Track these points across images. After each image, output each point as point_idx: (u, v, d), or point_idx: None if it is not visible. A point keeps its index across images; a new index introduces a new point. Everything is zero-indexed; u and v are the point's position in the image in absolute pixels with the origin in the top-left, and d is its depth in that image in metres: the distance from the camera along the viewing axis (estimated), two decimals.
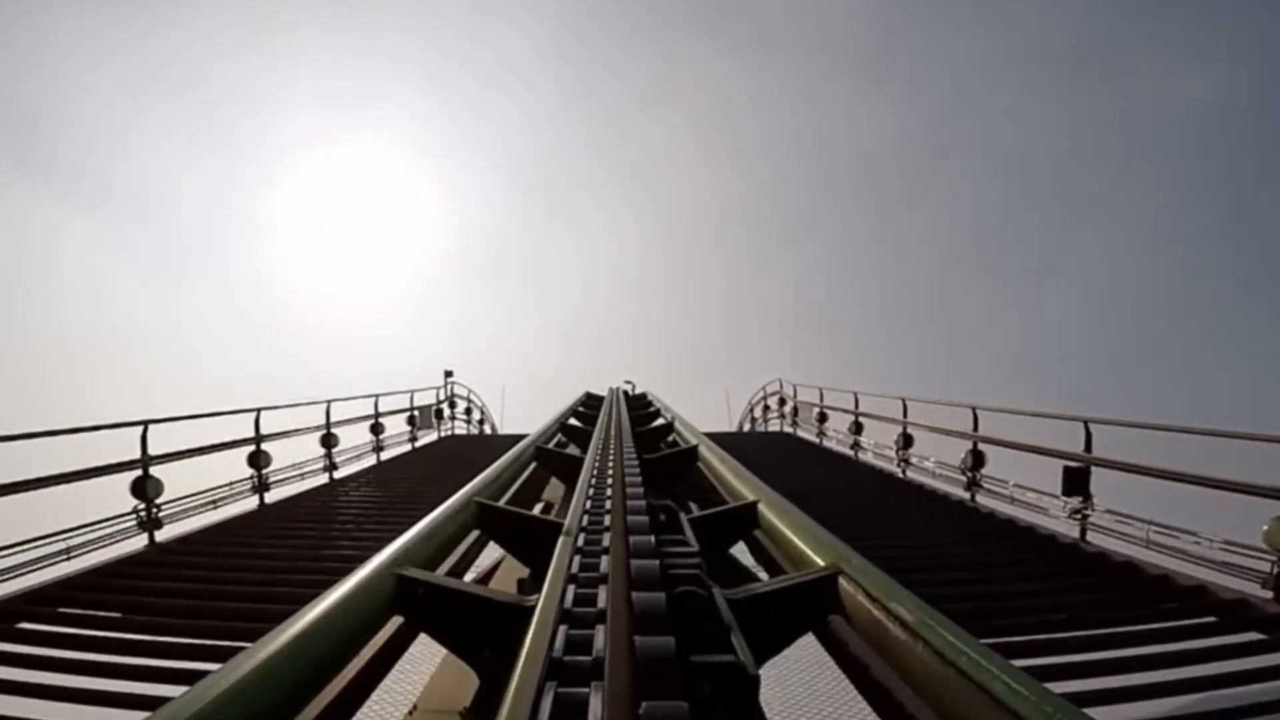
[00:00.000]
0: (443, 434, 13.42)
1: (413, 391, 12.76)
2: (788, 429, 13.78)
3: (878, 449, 9.46)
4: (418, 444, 11.77)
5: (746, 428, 17.73)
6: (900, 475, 8.56)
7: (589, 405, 11.53)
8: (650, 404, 11.90)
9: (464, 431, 15.76)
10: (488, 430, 17.88)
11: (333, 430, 8.98)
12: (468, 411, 15.42)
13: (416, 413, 11.79)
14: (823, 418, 11.48)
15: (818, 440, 11.58)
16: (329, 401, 9.23)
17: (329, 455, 8.90)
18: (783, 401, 13.67)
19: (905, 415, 8.79)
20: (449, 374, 14.12)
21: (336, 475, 8.84)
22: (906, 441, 8.60)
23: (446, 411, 14.30)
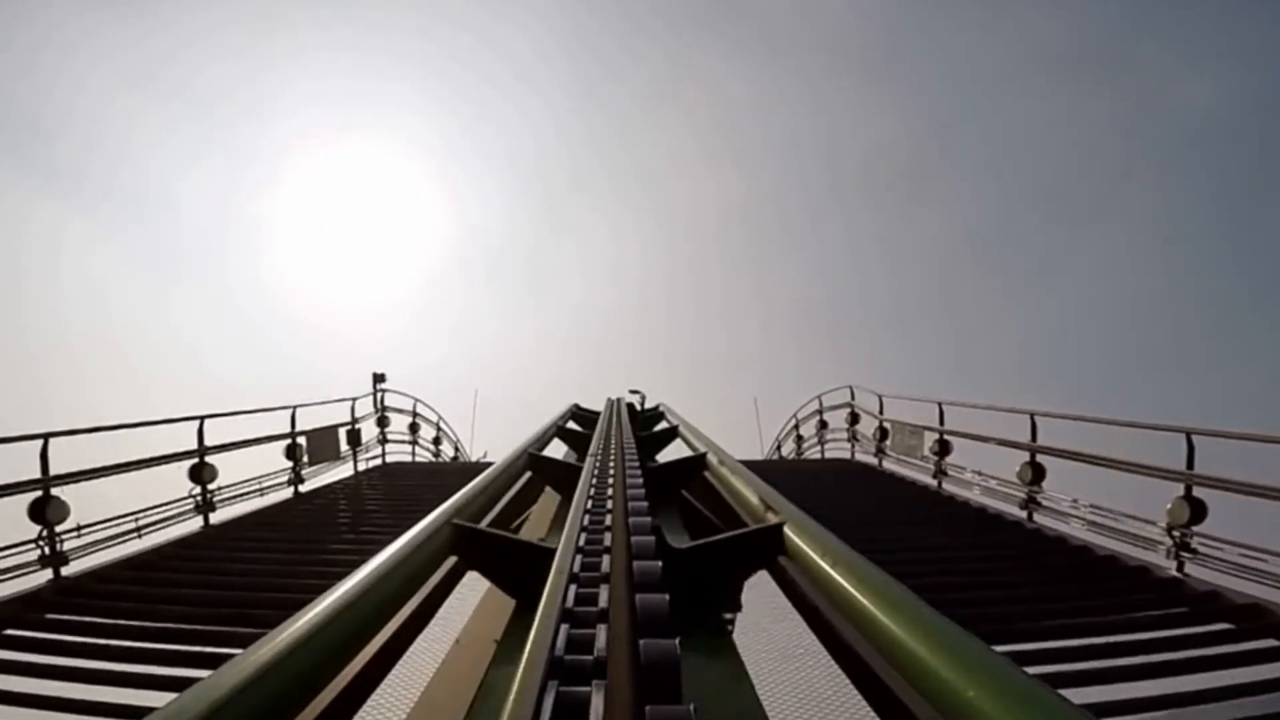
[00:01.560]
0: (363, 465, 11.82)
1: (354, 399, 11.39)
2: (861, 456, 12.19)
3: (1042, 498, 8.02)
4: (304, 487, 10.05)
5: (787, 451, 16.48)
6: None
7: (570, 433, 9.91)
8: (670, 425, 10.33)
9: (413, 458, 14.31)
10: (447, 455, 16.65)
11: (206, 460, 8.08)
12: (413, 428, 13.99)
13: (301, 440, 9.87)
14: (944, 448, 9.76)
15: (935, 483, 9.87)
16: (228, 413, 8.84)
17: (203, 494, 8.02)
18: (854, 418, 12.17)
19: (1034, 437, 7.94)
20: (380, 378, 12.68)
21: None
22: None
23: (375, 432, 12.97)
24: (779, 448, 18.28)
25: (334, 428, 10.94)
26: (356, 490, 10.49)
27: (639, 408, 13.03)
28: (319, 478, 10.88)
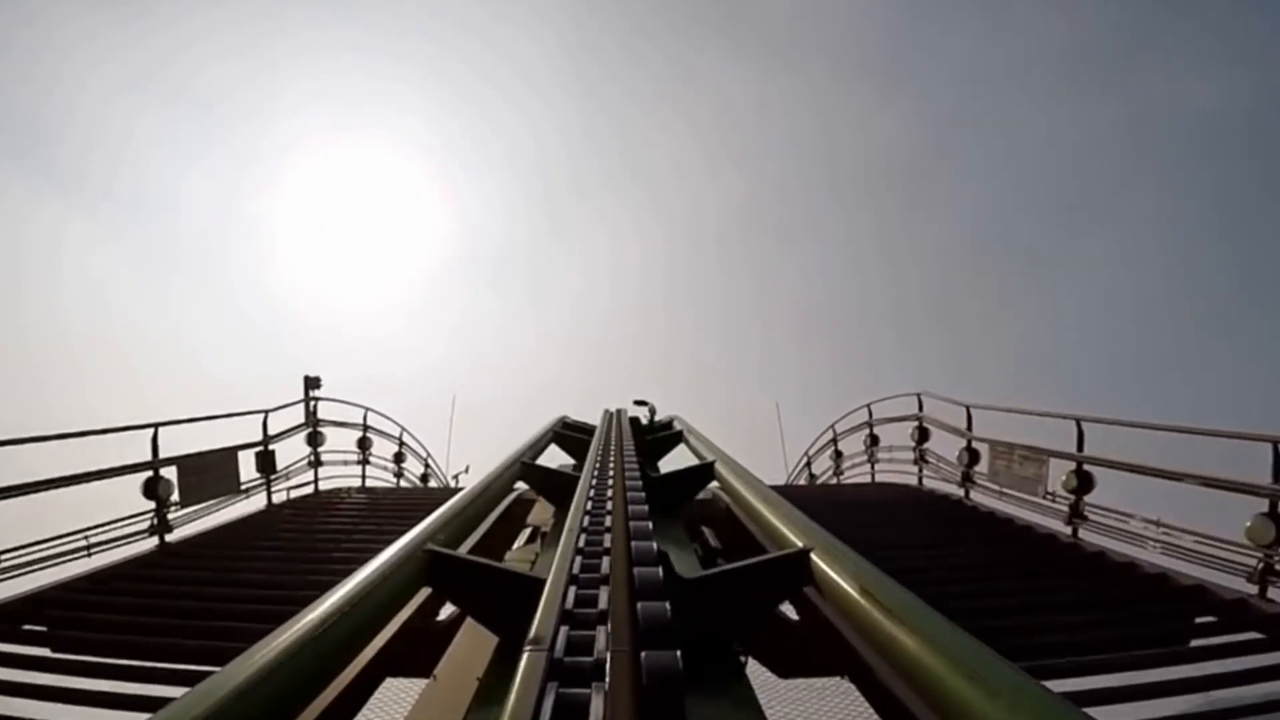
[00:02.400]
0: (292, 493, 8.93)
1: (267, 412, 8.63)
2: (933, 482, 9.39)
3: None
4: (180, 532, 7.23)
5: (819, 472, 13.67)
6: None
7: (540, 477, 6.64)
8: (703, 460, 6.76)
9: (363, 481, 11.41)
10: (414, 475, 13.79)
11: None
12: (363, 444, 11.12)
13: (173, 471, 7.09)
14: (1084, 482, 6.85)
15: (1068, 530, 7.03)
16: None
17: None
18: (922, 435, 9.35)
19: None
20: (313, 383, 9.75)
21: None
22: None
23: (302, 453, 10.19)
24: (808, 464, 15.44)
25: (229, 451, 8.03)
26: (262, 532, 7.63)
27: (646, 422, 10.14)
28: (214, 516, 8.04)
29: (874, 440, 11.61)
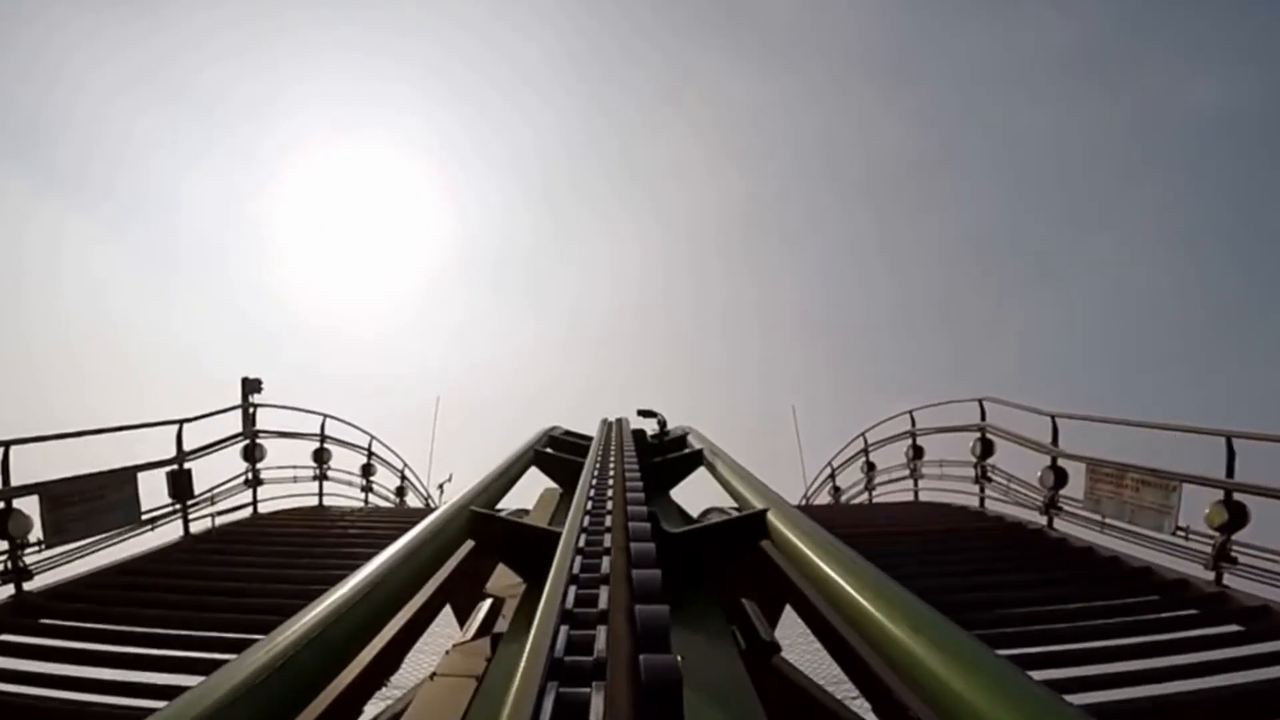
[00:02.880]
0: (212, 524, 7.25)
1: (181, 422, 7.04)
2: (996, 504, 7.73)
3: None
4: (43, 579, 5.55)
5: (846, 483, 12.02)
6: None
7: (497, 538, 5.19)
8: (758, 507, 4.73)
9: (320, 500, 9.77)
10: (386, 491, 12.12)
11: None
12: (319, 456, 9.47)
13: (27, 505, 5.43)
14: (1236, 516, 5.29)
15: (1211, 576, 5.44)
16: None
17: None
18: (986, 449, 7.74)
19: None
20: (252, 386, 8.12)
21: None
22: None
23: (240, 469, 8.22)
24: (832, 477, 13.73)
25: (124, 472, 6.31)
26: (151, 578, 5.92)
27: (653, 437, 8.34)
28: (108, 553, 6.34)
29: (918, 452, 9.91)
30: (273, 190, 52.57)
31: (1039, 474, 7.18)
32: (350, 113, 52.08)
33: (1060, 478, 7.04)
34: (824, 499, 14.18)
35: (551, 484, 6.37)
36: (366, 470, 11.94)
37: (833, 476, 13.40)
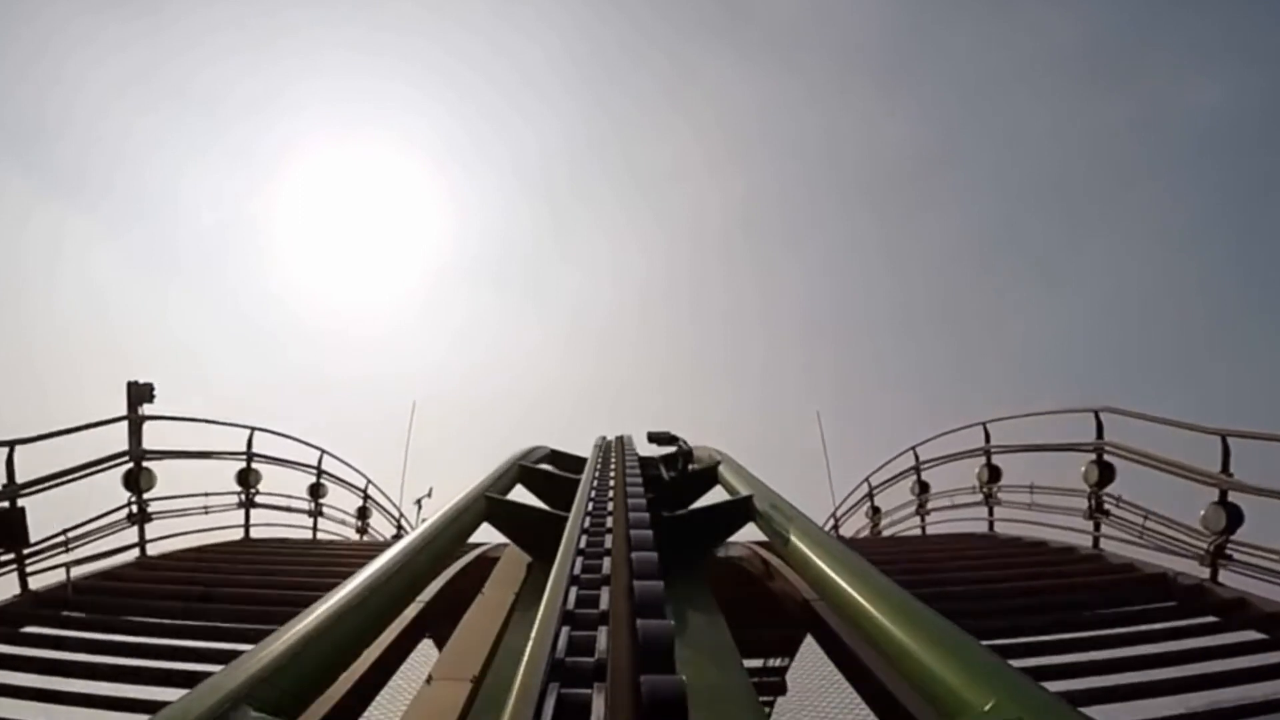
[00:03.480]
0: (66, 575, 5.24)
1: (12, 444, 4.90)
2: (1112, 544, 5.79)
3: None
4: None
5: (890, 505, 10.10)
6: None
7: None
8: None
9: (246, 531, 7.81)
10: (334, 524, 10.16)
11: None
12: (243, 479, 7.53)
13: None
14: None
15: None
16: None
17: None
18: (1104, 474, 5.76)
19: None
20: (142, 394, 6.19)
21: None
22: None
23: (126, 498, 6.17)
24: (870, 496, 11.74)
25: None
26: None
27: (669, 473, 5.81)
28: None
29: (994, 474, 7.92)
30: (273, 190, 51.51)
31: (1203, 512, 5.21)
32: (350, 112, 51.00)
33: (1234, 517, 5.08)
34: (859, 520, 12.23)
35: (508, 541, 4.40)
36: (315, 491, 9.97)
37: (870, 496, 11.42)
